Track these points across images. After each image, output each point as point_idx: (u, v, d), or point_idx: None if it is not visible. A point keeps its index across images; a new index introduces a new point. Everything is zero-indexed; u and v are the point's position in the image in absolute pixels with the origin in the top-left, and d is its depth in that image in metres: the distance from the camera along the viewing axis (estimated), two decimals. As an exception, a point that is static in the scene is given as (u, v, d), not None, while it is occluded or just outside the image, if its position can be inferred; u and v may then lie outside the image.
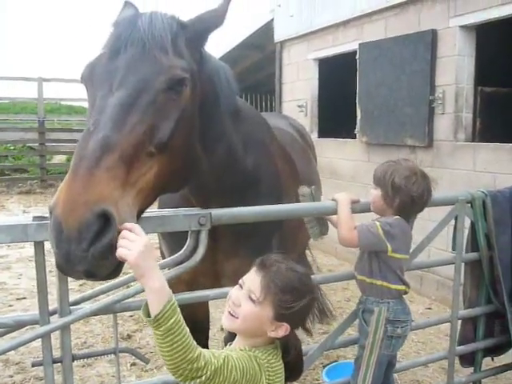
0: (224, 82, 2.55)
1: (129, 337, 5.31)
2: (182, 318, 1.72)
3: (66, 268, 1.75)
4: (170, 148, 2.07)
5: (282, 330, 1.88)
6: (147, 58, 2.04)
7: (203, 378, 1.71)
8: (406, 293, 2.83)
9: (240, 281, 1.93)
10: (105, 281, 1.94)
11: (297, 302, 1.84)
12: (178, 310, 1.73)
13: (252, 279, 1.89)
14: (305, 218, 2.91)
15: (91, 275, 1.77)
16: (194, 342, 1.74)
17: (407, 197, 2.65)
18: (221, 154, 2.53)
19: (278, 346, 1.97)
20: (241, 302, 1.87)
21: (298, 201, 2.93)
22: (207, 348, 3.48)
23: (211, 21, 2.33)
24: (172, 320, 1.68)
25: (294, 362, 2.01)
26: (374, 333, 2.73)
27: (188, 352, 1.70)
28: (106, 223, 1.71)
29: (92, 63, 2.11)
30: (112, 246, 1.72)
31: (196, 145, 2.33)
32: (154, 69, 2.03)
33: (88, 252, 1.68)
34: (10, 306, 6.13)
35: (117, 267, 1.83)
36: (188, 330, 1.73)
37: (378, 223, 2.67)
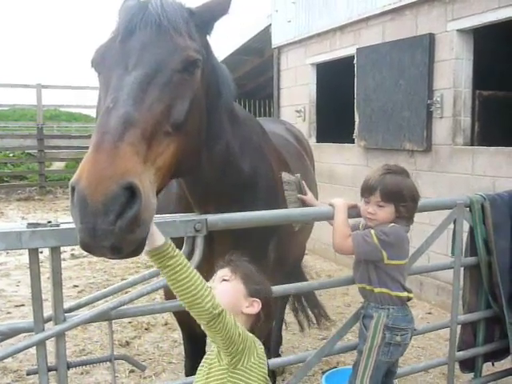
0: (225, 79, 2.58)
1: (127, 343, 5.28)
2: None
3: (92, 244, 1.70)
4: (185, 128, 2.08)
5: (255, 306, 2.06)
6: (162, 38, 2.05)
7: (216, 311, 1.90)
8: (409, 299, 2.80)
9: (210, 281, 2.11)
10: (128, 258, 1.90)
11: (261, 278, 2.14)
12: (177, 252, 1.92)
13: (221, 271, 2.15)
14: (286, 187, 2.88)
15: (117, 251, 1.72)
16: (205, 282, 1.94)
17: (417, 200, 2.73)
18: (219, 152, 2.52)
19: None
20: (216, 286, 2.09)
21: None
22: (204, 355, 3.48)
23: (217, 9, 2.36)
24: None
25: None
26: (372, 338, 2.71)
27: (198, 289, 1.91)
28: (131, 196, 1.69)
29: (102, 47, 2.11)
30: (138, 219, 1.70)
31: (204, 130, 2.34)
32: (169, 49, 2.04)
33: (115, 225, 1.65)
34: (9, 313, 6.12)
35: (141, 243, 1.79)
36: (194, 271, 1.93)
37: (373, 232, 2.65)
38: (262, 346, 2.11)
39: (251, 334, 2.06)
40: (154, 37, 2.05)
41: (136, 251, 1.80)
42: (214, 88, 2.42)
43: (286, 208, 2.88)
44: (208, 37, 2.40)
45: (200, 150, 2.33)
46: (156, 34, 2.05)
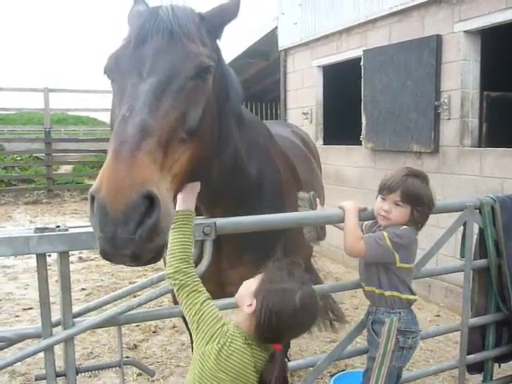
0: (233, 82, 2.58)
1: (135, 347, 5.27)
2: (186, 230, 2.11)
3: (112, 252, 1.73)
4: (199, 134, 2.09)
5: (252, 307, 2.01)
6: (175, 45, 2.06)
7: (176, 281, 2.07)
8: (414, 301, 2.79)
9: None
10: (147, 265, 1.94)
11: (281, 287, 2.02)
12: (187, 222, 2.12)
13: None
14: (299, 196, 2.89)
15: (137, 259, 1.76)
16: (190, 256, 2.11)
17: (433, 206, 2.72)
18: (228, 156, 2.52)
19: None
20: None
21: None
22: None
23: (227, 13, 2.37)
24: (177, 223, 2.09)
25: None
26: (385, 344, 2.67)
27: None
28: (150, 204, 1.72)
29: (115, 54, 2.12)
30: (157, 227, 1.73)
31: (216, 135, 2.35)
32: (182, 56, 2.05)
33: (135, 234, 1.68)
34: (17, 316, 6.14)
35: (160, 250, 1.83)
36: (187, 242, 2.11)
37: (386, 234, 2.61)
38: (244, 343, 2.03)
39: (223, 325, 2.06)
40: (167, 43, 2.05)
41: (155, 258, 1.83)
42: (223, 92, 2.43)
43: (293, 212, 2.87)
44: (218, 41, 2.40)
45: (213, 154, 2.33)
46: (168, 41, 2.06)
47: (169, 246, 2.07)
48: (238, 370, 2.00)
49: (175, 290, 2.11)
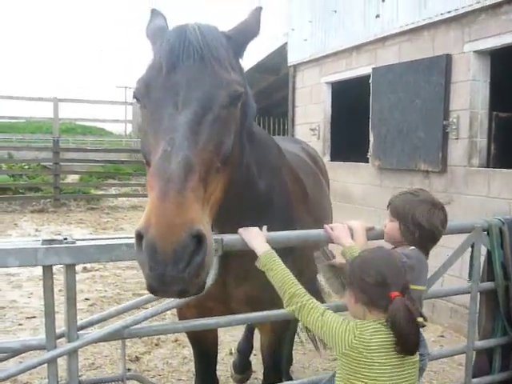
0: (249, 99, 2.57)
1: (137, 359, 5.25)
2: (278, 265, 2.28)
3: (160, 289, 1.78)
4: (230, 160, 2.13)
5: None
6: (207, 72, 2.07)
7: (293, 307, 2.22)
8: (423, 325, 2.75)
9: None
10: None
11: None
12: (275, 259, 2.30)
13: None
14: (323, 273, 2.87)
15: (184, 294, 1.82)
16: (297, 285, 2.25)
17: (428, 232, 2.61)
18: (240, 174, 2.51)
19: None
20: None
21: (307, 227, 2.90)
22: (214, 373, 3.43)
23: (249, 31, 2.39)
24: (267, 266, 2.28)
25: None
26: None
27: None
28: (198, 242, 1.76)
29: (145, 78, 2.12)
30: (204, 264, 1.79)
31: (242, 158, 2.39)
32: (215, 84, 2.06)
33: (184, 272, 1.72)
34: (20, 324, 6.13)
35: (204, 283, 1.88)
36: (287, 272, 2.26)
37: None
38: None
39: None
40: (199, 70, 2.06)
41: (199, 291, 1.88)
42: (242, 110, 2.42)
43: (302, 230, 2.85)
44: (241, 60, 2.40)
45: (239, 177, 2.35)
46: (200, 67, 2.07)
47: (274, 284, 2.26)
48: (383, 344, 2.10)
49: (296, 315, 2.23)
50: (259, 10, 2.47)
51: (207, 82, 2.05)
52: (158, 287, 1.76)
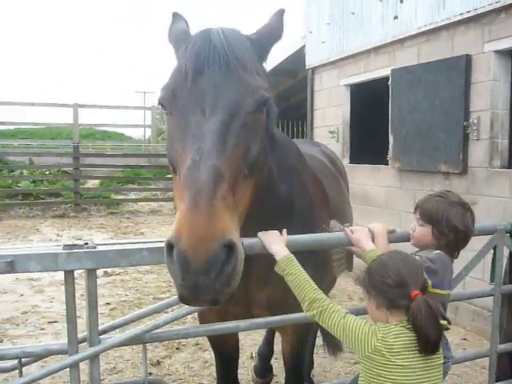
0: (271, 103, 2.56)
1: (158, 363, 5.27)
2: (297, 270, 2.28)
3: (192, 299, 1.80)
4: (257, 167, 2.14)
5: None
6: (234, 78, 2.07)
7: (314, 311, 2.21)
8: (447, 328, 2.72)
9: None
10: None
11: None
12: (294, 264, 2.29)
13: None
14: (334, 254, 2.86)
15: (215, 302, 1.83)
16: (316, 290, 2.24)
17: (463, 233, 2.62)
18: (263, 178, 2.50)
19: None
20: None
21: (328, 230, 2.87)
22: (236, 378, 3.42)
23: (273, 34, 2.38)
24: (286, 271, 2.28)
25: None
26: None
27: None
28: (229, 251, 1.78)
29: (171, 85, 2.13)
30: (235, 272, 1.81)
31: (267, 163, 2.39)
32: (242, 90, 2.06)
33: (216, 281, 1.74)
34: (42, 329, 6.19)
35: (234, 292, 1.89)
36: (306, 276, 2.27)
37: (417, 258, 2.58)
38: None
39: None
40: (225, 76, 2.05)
41: (230, 299, 1.89)
42: (266, 114, 2.40)
43: (322, 233, 2.83)
44: (264, 64, 2.40)
45: (260, 182, 2.33)
46: (226, 73, 2.06)
47: (293, 289, 2.26)
48: (406, 346, 2.09)
49: (317, 319, 2.23)
50: (282, 12, 2.46)
51: (234, 88, 2.04)
52: (190, 297, 1.78)
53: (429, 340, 2.08)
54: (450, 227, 2.59)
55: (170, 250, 1.78)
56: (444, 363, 2.62)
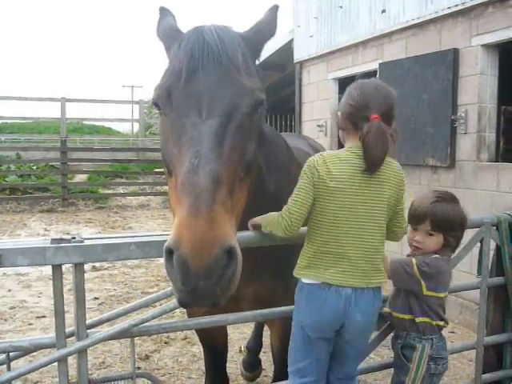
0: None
1: (147, 357, 5.26)
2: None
3: (191, 303, 1.81)
4: (252, 168, 2.14)
5: None
6: (229, 79, 2.05)
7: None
8: (443, 327, 2.73)
9: None
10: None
11: None
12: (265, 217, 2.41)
13: None
14: None
15: (214, 306, 1.83)
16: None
17: (465, 227, 2.71)
18: (254, 174, 2.50)
19: None
20: None
21: None
22: (224, 371, 3.42)
23: (266, 31, 2.37)
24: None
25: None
26: (416, 370, 2.61)
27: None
28: (229, 255, 1.77)
29: (165, 85, 2.09)
30: (235, 276, 1.81)
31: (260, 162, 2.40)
32: (238, 92, 2.05)
33: (216, 286, 1.74)
34: (30, 324, 6.15)
35: (232, 294, 1.89)
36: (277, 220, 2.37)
37: (414, 261, 2.58)
38: None
39: None
40: (220, 76, 2.04)
41: (227, 301, 1.88)
42: None
43: None
44: (257, 61, 2.38)
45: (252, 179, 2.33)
46: (221, 73, 2.04)
47: (274, 229, 2.39)
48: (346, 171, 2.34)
49: (289, 223, 2.36)
50: (276, 8, 2.44)
51: (229, 90, 2.03)
52: (190, 301, 1.78)
53: (372, 158, 2.27)
54: (461, 227, 2.69)
55: (169, 255, 1.77)
56: (444, 363, 2.64)
